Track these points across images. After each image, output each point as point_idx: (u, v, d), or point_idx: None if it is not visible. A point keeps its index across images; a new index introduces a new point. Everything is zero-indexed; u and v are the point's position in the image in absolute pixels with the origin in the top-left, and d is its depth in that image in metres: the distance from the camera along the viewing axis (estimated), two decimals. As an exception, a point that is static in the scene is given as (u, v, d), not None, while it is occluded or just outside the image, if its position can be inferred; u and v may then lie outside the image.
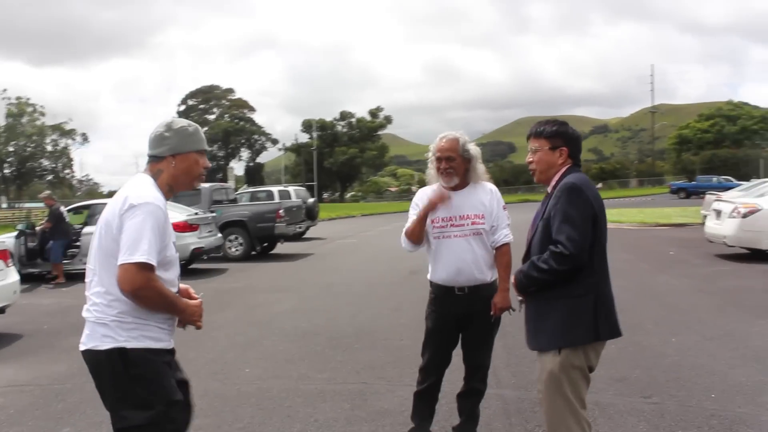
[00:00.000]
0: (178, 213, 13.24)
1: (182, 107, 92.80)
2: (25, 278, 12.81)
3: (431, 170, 3.88)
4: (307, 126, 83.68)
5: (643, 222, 22.91)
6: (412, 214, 3.88)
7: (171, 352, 2.69)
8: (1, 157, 72.16)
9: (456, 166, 3.76)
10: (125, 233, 2.44)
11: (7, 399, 5.30)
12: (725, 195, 15.75)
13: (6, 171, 74.38)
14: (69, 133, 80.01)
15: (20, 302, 10.11)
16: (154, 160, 2.69)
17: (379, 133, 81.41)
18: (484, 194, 3.85)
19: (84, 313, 2.58)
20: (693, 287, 9.53)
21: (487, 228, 3.79)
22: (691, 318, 7.36)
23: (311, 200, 21.40)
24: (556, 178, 3.12)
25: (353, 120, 79.79)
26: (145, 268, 2.42)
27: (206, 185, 17.03)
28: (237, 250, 15.78)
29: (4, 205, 66.98)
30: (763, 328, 6.80)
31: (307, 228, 19.88)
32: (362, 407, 4.75)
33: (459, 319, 3.84)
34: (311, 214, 20.20)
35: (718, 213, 13.06)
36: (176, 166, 2.68)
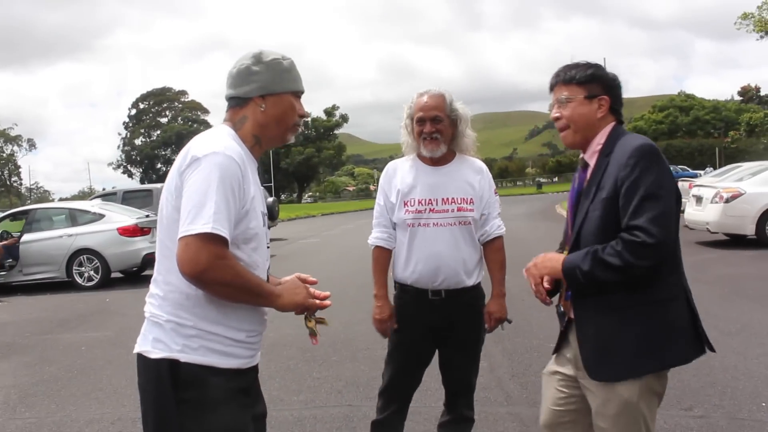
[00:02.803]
0: (128, 216, 12.25)
1: (134, 110, 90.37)
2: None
3: (406, 137, 3.03)
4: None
5: (612, 212, 22.54)
6: (379, 201, 3.10)
7: (250, 373, 2.01)
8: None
9: (443, 130, 2.93)
10: (185, 196, 1.82)
11: None
12: (701, 180, 15.39)
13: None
14: (14, 140, 77.47)
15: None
16: (237, 103, 2.03)
17: (336, 132, 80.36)
18: (473, 173, 3.02)
19: (144, 307, 1.99)
20: (687, 277, 8.91)
21: (476, 216, 2.97)
22: (699, 311, 6.67)
23: (271, 199, 20.47)
24: (601, 138, 2.30)
25: (308, 119, 78.67)
26: (211, 240, 1.76)
27: (158, 185, 16.07)
28: (193, 254, 14.80)
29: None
30: (780, 320, 6.18)
31: (268, 228, 18.95)
32: (350, 437, 3.92)
33: (434, 331, 3.03)
34: (272, 214, 19.29)
35: (699, 199, 12.63)
36: (266, 110, 2.01)
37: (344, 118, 79.52)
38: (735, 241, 12.20)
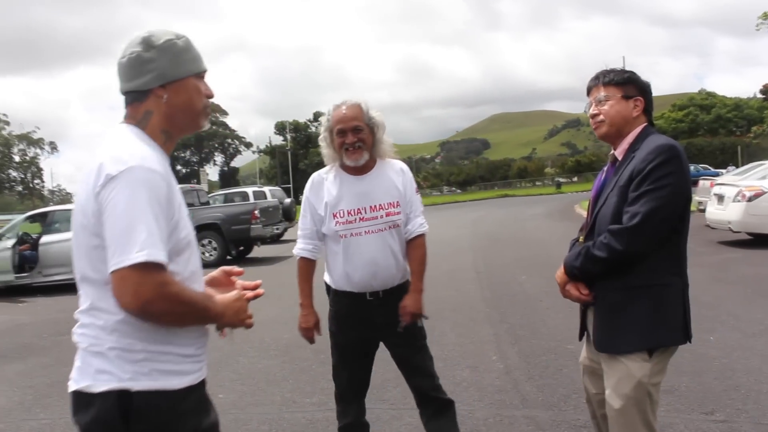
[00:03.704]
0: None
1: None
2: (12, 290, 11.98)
3: (326, 149, 3.09)
4: (281, 128, 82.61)
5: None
6: (305, 214, 3.14)
7: (200, 388, 1.83)
8: (-33, 169, 70.53)
9: (365, 139, 2.99)
10: (109, 222, 1.60)
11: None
12: (722, 179, 15.15)
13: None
14: (37, 143, 78.55)
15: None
16: (135, 98, 1.80)
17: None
18: (396, 175, 3.10)
19: (74, 337, 1.75)
20: (708, 277, 8.75)
21: (402, 218, 3.07)
22: (721, 312, 6.56)
23: (288, 200, 20.58)
24: (632, 137, 2.50)
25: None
26: (150, 268, 1.57)
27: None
28: (211, 255, 14.84)
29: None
30: (805, 321, 6.02)
31: (285, 229, 19.03)
32: (363, 441, 3.85)
33: (376, 328, 3.11)
34: (288, 215, 19.37)
35: (720, 198, 12.40)
36: (170, 100, 1.80)
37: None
38: (758, 241, 11.93)
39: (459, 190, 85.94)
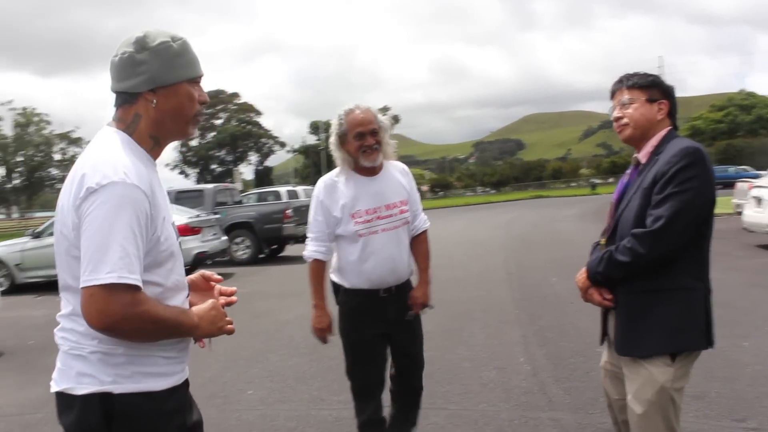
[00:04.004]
0: (179, 215, 12.48)
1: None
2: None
3: (340, 153, 3.17)
4: (315, 128, 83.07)
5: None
6: (317, 217, 3.19)
7: (183, 387, 1.81)
8: (10, 167, 72.29)
9: (381, 141, 3.14)
10: (85, 237, 1.57)
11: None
12: (761, 181, 14.81)
13: (16, 181, 74.31)
14: (76, 142, 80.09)
15: (7, 315, 9.41)
16: (125, 99, 1.76)
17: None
18: (401, 175, 3.30)
19: (55, 339, 1.74)
20: (745, 282, 8.60)
21: (410, 215, 3.27)
22: (757, 317, 6.45)
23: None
24: (656, 140, 2.47)
25: (361, 120, 79.05)
26: (120, 290, 1.55)
27: (209, 186, 16.34)
28: (244, 254, 15.06)
29: (16, 215, 67.15)
30: (844, 327, 5.88)
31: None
32: (388, 439, 3.88)
33: (388, 324, 3.25)
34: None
35: (759, 200, 12.13)
36: (159, 105, 1.75)
37: (396, 119, 79.82)
38: (798, 245, 11.70)
39: (493, 191, 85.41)
